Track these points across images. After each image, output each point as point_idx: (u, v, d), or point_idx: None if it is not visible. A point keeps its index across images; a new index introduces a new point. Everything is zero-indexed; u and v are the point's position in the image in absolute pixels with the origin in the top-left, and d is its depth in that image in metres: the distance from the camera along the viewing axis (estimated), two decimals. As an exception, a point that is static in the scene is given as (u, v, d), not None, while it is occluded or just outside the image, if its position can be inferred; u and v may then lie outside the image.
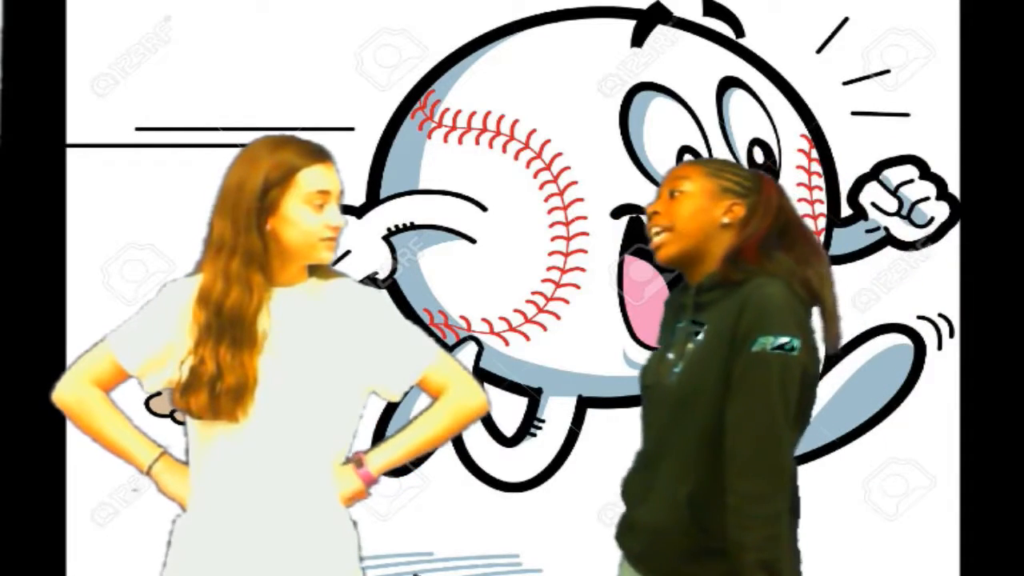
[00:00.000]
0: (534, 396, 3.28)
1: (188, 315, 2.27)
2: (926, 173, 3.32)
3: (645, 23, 3.29)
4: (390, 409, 3.24)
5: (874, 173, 3.32)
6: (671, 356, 2.24)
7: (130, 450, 2.36)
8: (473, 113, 3.27)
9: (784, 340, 2.09)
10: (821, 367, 2.19)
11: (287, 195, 2.26)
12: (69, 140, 3.22)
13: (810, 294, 2.20)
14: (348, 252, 3.24)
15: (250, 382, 2.24)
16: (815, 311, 2.21)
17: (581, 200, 3.27)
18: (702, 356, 2.17)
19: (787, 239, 2.25)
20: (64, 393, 2.36)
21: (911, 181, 3.33)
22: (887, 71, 3.31)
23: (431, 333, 3.26)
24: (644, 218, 2.35)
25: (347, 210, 3.24)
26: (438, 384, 2.38)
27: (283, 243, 2.27)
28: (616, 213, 3.28)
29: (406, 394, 2.36)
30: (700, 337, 2.19)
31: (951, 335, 3.30)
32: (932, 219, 3.32)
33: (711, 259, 2.24)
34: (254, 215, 2.25)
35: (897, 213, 3.31)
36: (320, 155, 2.29)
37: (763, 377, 2.09)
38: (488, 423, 3.28)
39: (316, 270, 2.35)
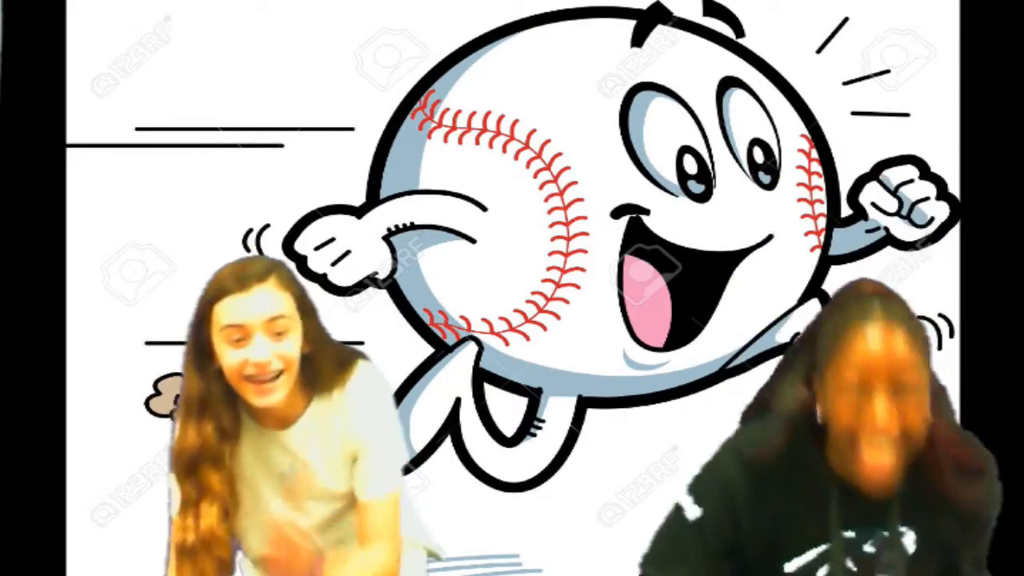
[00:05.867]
0: (534, 396, 3.28)
1: None
2: (926, 173, 3.32)
3: (645, 23, 3.29)
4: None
5: (874, 173, 3.31)
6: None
7: None
8: (473, 113, 3.26)
9: None
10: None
11: (212, 332, 2.13)
12: (69, 140, 3.21)
13: None
14: (348, 252, 3.24)
15: (208, 540, 2.12)
16: None
17: (581, 200, 3.27)
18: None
19: None
20: None
21: (911, 181, 3.32)
22: (887, 71, 3.31)
23: (431, 333, 3.27)
24: (872, 434, 1.87)
25: (347, 210, 3.24)
26: (363, 526, 2.22)
27: (228, 382, 2.13)
28: (616, 213, 3.28)
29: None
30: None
31: (951, 335, 3.30)
32: (932, 219, 3.32)
33: None
34: (192, 355, 2.14)
35: (897, 213, 3.31)
36: (240, 282, 2.11)
37: None
38: (488, 423, 3.28)
39: (323, 386, 2.22)
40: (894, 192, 3.32)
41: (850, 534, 1.96)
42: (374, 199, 3.26)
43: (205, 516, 2.12)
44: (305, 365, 2.19)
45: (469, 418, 3.28)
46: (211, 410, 2.14)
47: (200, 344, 2.15)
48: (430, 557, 2.44)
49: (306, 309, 2.20)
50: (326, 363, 2.21)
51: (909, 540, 1.97)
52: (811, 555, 1.98)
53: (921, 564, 2.00)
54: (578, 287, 3.28)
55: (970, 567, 2.03)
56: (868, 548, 1.96)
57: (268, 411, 2.19)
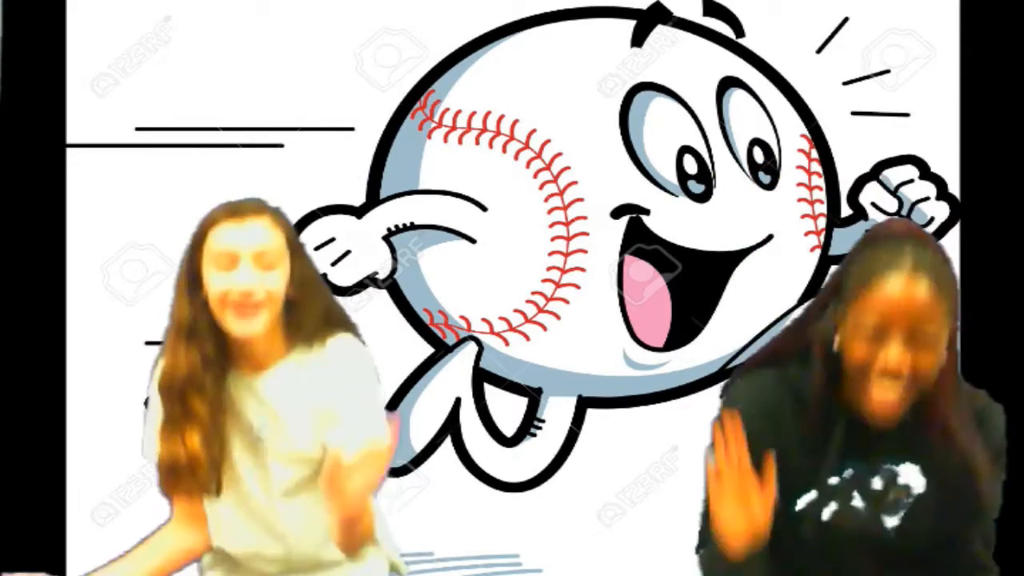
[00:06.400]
0: (534, 396, 3.28)
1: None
2: (926, 173, 3.32)
3: (645, 23, 3.29)
4: (389, 411, 3.24)
5: (874, 173, 3.31)
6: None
7: None
8: (473, 113, 3.26)
9: None
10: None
11: (203, 258, 2.20)
12: (69, 140, 3.21)
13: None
14: (348, 252, 3.24)
15: (182, 461, 2.19)
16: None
17: (581, 200, 3.27)
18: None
19: None
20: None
21: (911, 181, 3.32)
22: (887, 71, 3.31)
23: (431, 333, 3.27)
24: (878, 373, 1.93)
25: (347, 210, 3.24)
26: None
27: (212, 314, 2.19)
28: (616, 213, 3.28)
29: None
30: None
31: (951, 335, 3.30)
32: (932, 219, 3.32)
33: None
34: (184, 282, 2.22)
35: (897, 213, 3.31)
36: (235, 211, 2.20)
37: None
38: (488, 423, 3.28)
39: (305, 336, 2.25)
40: (894, 192, 3.32)
41: (856, 468, 2.00)
42: (374, 199, 3.26)
43: (188, 439, 2.20)
44: (289, 312, 2.24)
45: (469, 418, 3.28)
46: (197, 337, 2.19)
47: (192, 270, 2.22)
48: (392, 572, 2.44)
49: (296, 252, 2.26)
50: (309, 314, 2.26)
51: (915, 476, 2.00)
52: (817, 492, 2.02)
53: (929, 509, 2.02)
54: (578, 287, 3.28)
55: (980, 543, 2.05)
56: (876, 484, 2.00)
57: (246, 350, 2.23)
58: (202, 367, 2.20)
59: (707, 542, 2.04)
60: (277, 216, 2.26)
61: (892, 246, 1.96)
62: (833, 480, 2.02)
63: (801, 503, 2.03)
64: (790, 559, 2.02)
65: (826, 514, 2.03)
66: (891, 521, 2.02)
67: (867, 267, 1.96)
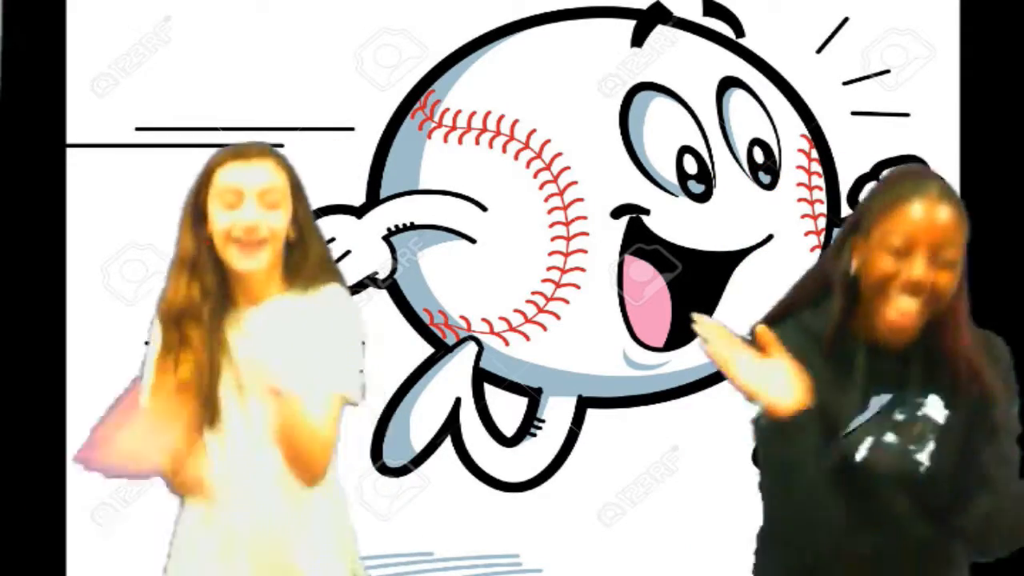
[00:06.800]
0: (534, 396, 3.28)
1: None
2: (926, 173, 3.32)
3: (645, 23, 3.29)
4: (389, 411, 3.25)
5: (874, 173, 3.32)
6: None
7: None
8: (473, 113, 3.27)
9: None
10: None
11: (208, 195, 2.26)
12: (69, 140, 3.22)
13: None
14: (348, 252, 3.24)
15: (184, 385, 2.22)
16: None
17: (581, 200, 3.27)
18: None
19: None
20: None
21: (911, 181, 3.32)
22: (887, 71, 3.31)
23: (431, 333, 3.27)
24: (899, 289, 1.98)
25: (347, 210, 3.24)
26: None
27: (215, 249, 2.25)
28: (616, 213, 3.28)
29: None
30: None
31: (951, 335, 3.30)
32: (932, 219, 3.32)
33: None
34: (189, 217, 2.27)
35: (897, 213, 3.31)
36: (240, 153, 2.26)
37: None
38: (488, 423, 3.28)
39: (303, 279, 2.29)
40: (894, 192, 3.32)
41: (882, 402, 2.02)
42: (374, 199, 3.26)
43: (183, 364, 2.24)
44: (289, 254, 2.29)
45: (469, 418, 3.28)
46: (199, 270, 2.25)
47: (197, 206, 2.27)
48: None
49: (298, 195, 2.30)
50: (308, 257, 2.31)
51: (937, 408, 2.03)
52: (852, 426, 2.03)
53: (954, 441, 2.02)
54: (578, 287, 3.28)
55: (995, 466, 2.05)
56: (899, 416, 2.02)
57: (244, 283, 2.27)
58: (201, 298, 2.25)
59: (760, 417, 2.04)
60: (281, 159, 2.31)
61: (916, 179, 2.03)
62: (862, 418, 2.03)
63: (838, 444, 2.02)
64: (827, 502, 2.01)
65: (861, 453, 2.02)
66: (922, 456, 2.02)
67: (893, 194, 2.01)
